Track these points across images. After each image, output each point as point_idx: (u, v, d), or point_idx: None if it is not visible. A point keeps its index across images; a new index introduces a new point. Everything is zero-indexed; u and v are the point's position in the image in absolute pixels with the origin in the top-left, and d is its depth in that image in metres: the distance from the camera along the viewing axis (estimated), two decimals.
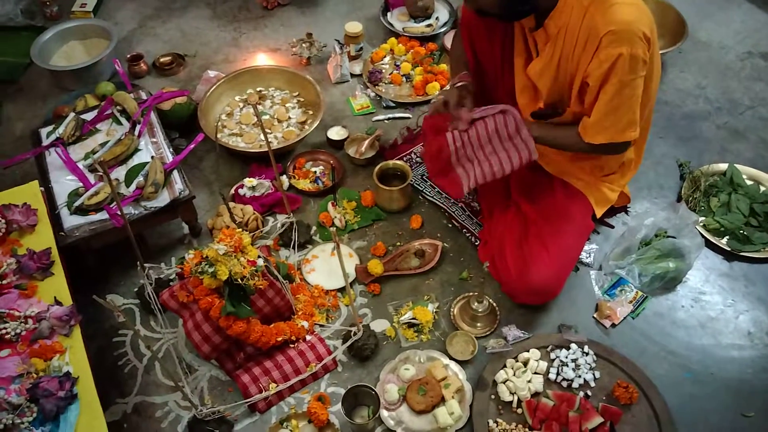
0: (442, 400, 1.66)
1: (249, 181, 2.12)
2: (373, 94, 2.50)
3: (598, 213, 1.89)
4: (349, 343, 1.74)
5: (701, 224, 2.04)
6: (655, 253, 1.91)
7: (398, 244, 2.03)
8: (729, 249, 1.99)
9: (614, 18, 1.46)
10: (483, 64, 1.85)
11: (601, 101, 1.57)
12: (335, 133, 2.31)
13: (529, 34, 1.68)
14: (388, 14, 2.82)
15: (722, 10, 2.90)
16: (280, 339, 1.69)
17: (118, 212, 1.72)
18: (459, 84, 1.82)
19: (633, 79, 1.51)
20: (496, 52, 1.80)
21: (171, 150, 1.98)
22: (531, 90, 1.79)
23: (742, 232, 2.02)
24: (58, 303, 1.58)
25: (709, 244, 2.00)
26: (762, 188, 2.13)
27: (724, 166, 2.18)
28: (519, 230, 1.84)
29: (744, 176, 2.16)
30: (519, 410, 1.66)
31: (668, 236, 1.96)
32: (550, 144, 1.77)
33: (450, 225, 2.08)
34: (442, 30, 2.71)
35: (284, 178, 2.17)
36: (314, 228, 2.08)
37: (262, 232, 2.02)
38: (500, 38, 1.76)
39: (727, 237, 2.02)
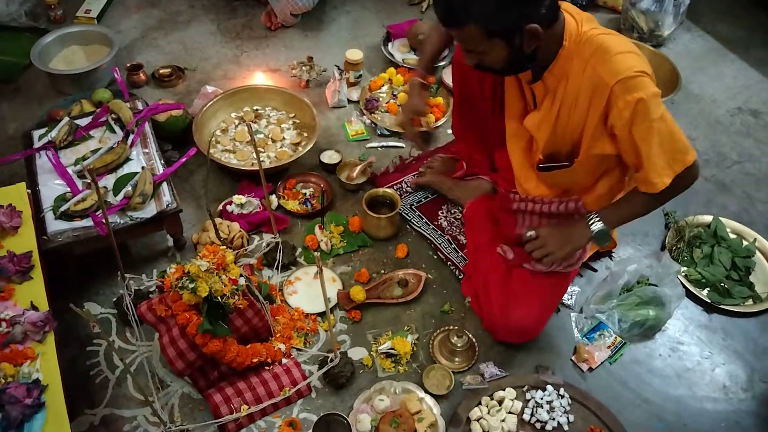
0: None
1: (238, 198, 2.12)
2: (368, 121, 2.52)
3: (584, 257, 1.90)
4: (325, 369, 1.73)
5: (683, 274, 2.05)
6: (635, 299, 1.92)
7: (382, 272, 2.03)
8: (709, 301, 2.00)
9: (620, 67, 1.48)
10: (473, 103, 1.87)
11: (643, 149, 1.52)
12: (328, 157, 2.32)
13: (527, 86, 1.70)
14: (389, 44, 2.86)
15: (715, 65, 2.96)
16: (255, 360, 1.67)
17: (103, 220, 1.71)
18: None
19: (662, 115, 1.50)
20: (487, 94, 1.83)
21: (162, 162, 1.98)
22: (524, 139, 1.80)
23: (723, 285, 2.04)
24: (34, 308, 1.56)
25: (690, 295, 2.01)
26: (744, 243, 2.16)
27: (708, 219, 2.21)
28: (504, 269, 1.84)
29: (728, 230, 2.18)
30: None
31: (650, 284, 1.98)
32: (627, 220, 1.74)
33: (435, 256, 2.09)
34: (441, 64, 2.74)
35: (273, 197, 2.17)
36: (300, 250, 2.07)
37: (246, 250, 2.02)
38: (491, 83, 1.79)
39: (708, 289, 2.04)
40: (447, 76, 2.60)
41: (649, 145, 1.52)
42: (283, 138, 2.38)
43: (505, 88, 1.77)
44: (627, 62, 1.49)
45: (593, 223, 1.68)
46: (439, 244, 2.10)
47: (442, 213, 2.19)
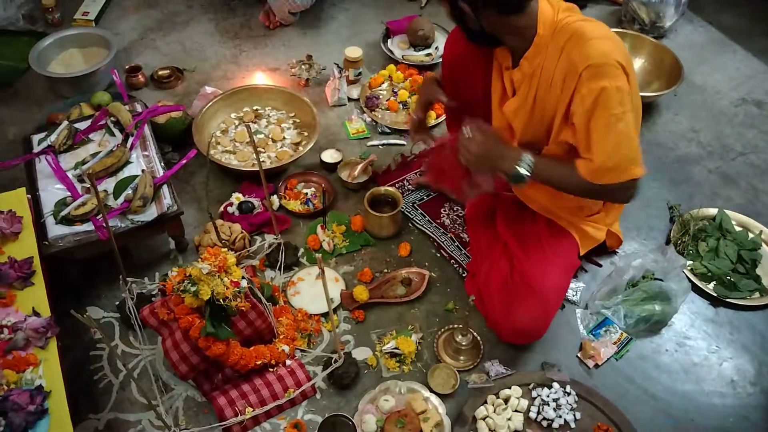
0: None
1: (237, 198, 2.11)
2: (369, 119, 2.51)
3: (582, 251, 1.88)
4: (329, 370, 1.72)
5: (689, 268, 2.03)
6: (641, 294, 1.91)
7: (385, 271, 2.02)
8: (715, 295, 1.98)
9: (591, 52, 1.46)
10: (468, 104, 1.87)
11: (598, 140, 1.50)
12: (329, 156, 2.31)
13: (506, 72, 1.69)
14: (389, 41, 2.84)
15: (718, 55, 2.94)
16: (259, 362, 1.66)
17: (104, 224, 1.70)
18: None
19: (624, 113, 1.48)
20: (478, 91, 1.82)
21: (162, 164, 1.97)
22: (508, 129, 1.78)
23: (729, 278, 2.02)
24: (36, 314, 1.55)
25: (696, 289, 2.00)
26: (750, 235, 2.14)
27: (713, 211, 2.19)
28: (506, 269, 1.81)
29: (733, 222, 2.16)
30: None
31: (655, 279, 1.96)
32: (553, 185, 1.67)
33: (438, 254, 2.07)
34: (441, 60, 2.73)
35: (275, 198, 2.16)
36: (302, 250, 2.06)
37: (248, 251, 2.01)
38: (481, 77, 1.78)
39: (714, 282, 2.02)
40: None
41: (604, 139, 1.49)
42: (284, 138, 2.37)
43: (492, 77, 1.77)
44: (601, 48, 1.47)
45: (521, 165, 1.58)
46: (442, 242, 2.08)
47: (445, 211, 2.18)
